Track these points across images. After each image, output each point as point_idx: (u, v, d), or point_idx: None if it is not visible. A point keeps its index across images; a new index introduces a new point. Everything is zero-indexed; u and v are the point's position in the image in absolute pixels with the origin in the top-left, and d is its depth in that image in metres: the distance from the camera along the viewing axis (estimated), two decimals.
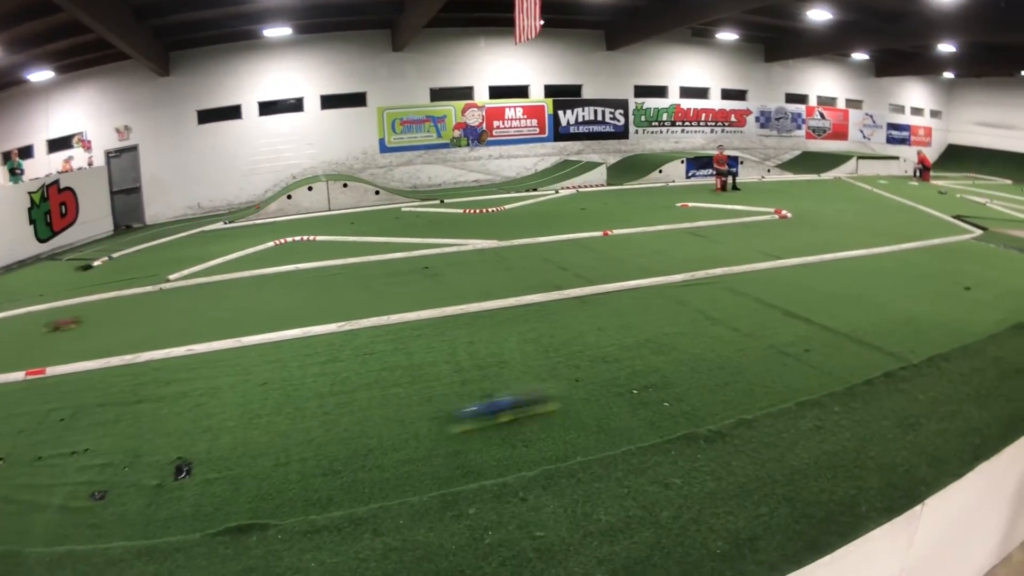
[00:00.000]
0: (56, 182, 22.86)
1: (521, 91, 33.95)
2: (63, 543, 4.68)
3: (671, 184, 29.28)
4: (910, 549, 4.37)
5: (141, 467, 5.83)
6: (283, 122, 31.14)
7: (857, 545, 4.03)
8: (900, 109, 44.64)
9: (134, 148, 29.53)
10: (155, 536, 4.68)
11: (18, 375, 8.57)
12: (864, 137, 42.90)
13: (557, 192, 26.77)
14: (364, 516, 4.60)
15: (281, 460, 5.82)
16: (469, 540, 4.29)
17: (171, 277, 14.14)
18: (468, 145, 33.15)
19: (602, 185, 29.38)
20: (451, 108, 32.73)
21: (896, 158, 37.53)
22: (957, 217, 17.80)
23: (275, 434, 6.34)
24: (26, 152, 28.64)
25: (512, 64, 33.25)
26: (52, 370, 8.63)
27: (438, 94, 32.71)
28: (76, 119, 29.40)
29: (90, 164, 27.89)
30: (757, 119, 39.08)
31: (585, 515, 4.45)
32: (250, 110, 30.59)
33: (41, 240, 21.42)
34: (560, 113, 34.49)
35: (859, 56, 40.54)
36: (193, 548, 4.37)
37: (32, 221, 21.10)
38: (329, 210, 25.24)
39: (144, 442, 6.32)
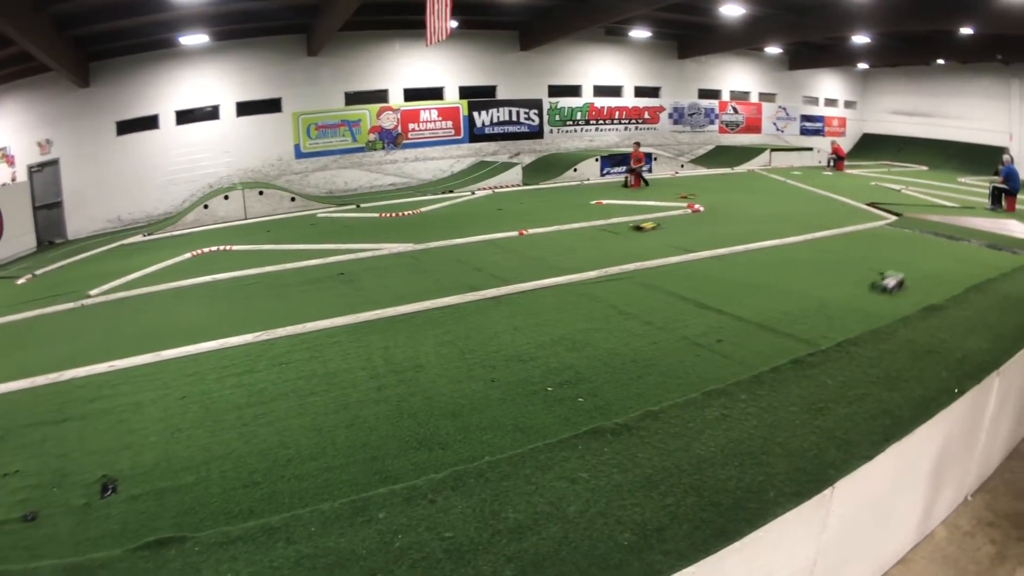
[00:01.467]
0: None
1: (436, 93, 33.93)
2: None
3: (586, 182, 29.51)
4: (824, 532, 4.44)
5: (68, 486, 5.80)
6: (200, 131, 30.71)
7: (767, 530, 4.08)
8: (814, 101, 45.50)
9: (55, 162, 28.95)
10: (84, 555, 4.59)
11: None
12: (778, 130, 43.61)
13: (473, 193, 26.86)
14: (277, 525, 4.57)
15: (202, 474, 5.81)
16: (379, 544, 4.29)
17: (92, 292, 13.91)
18: (384, 148, 33.01)
19: (518, 185, 29.50)
20: (366, 112, 32.58)
21: (810, 149, 38.28)
22: (871, 204, 18.19)
23: (196, 448, 6.32)
24: None
25: (426, 66, 33.20)
26: None
27: (353, 98, 32.54)
28: (1, 134, 28.77)
29: (13, 179, 27.46)
30: (670, 115, 39.53)
31: (493, 513, 4.48)
32: (167, 119, 30.12)
33: None
34: (475, 114, 34.50)
35: (773, 50, 41.19)
36: (116, 564, 4.33)
37: None
38: (246, 219, 24.96)
39: (70, 461, 6.27)
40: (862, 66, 44.45)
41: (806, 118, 44.97)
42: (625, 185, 26.32)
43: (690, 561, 3.84)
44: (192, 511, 5.23)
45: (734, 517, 4.19)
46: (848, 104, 47.35)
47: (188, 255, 17.15)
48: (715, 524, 4.15)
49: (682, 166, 33.90)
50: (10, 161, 28.10)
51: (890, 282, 9.89)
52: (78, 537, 5.01)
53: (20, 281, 17.45)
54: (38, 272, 18.56)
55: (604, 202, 21.26)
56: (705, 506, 4.35)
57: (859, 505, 4.73)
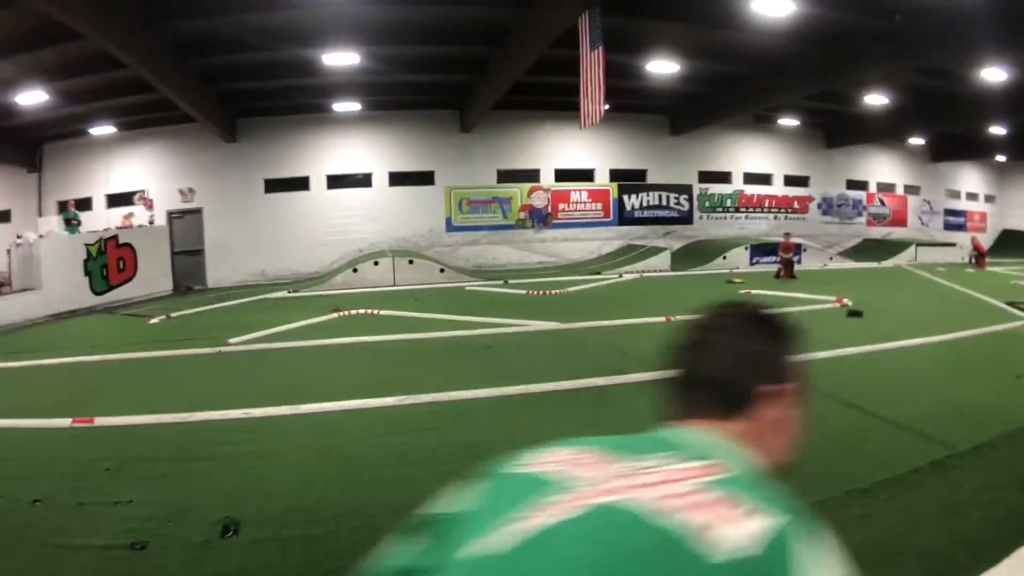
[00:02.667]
0: (115, 236, 23.65)
1: (586, 175, 34.39)
2: None
3: (735, 270, 29.18)
4: None
5: (187, 523, 5.89)
6: (351, 196, 31.80)
7: None
8: (956, 195, 44.53)
9: (198, 211, 30.24)
10: None
11: (64, 421, 8.77)
12: (923, 223, 42.65)
13: (621, 276, 26.88)
14: None
15: (332, 527, 5.85)
16: None
17: (231, 341, 14.40)
18: (533, 227, 33.55)
19: (666, 270, 29.38)
20: (517, 190, 33.22)
21: (953, 244, 37.25)
22: (1010, 304, 17.73)
23: (328, 502, 6.38)
24: (84, 204, 29.54)
25: (577, 148, 33.84)
26: (101, 420, 8.82)
27: (505, 175, 33.21)
28: (138, 176, 30.48)
29: (151, 222, 28.48)
30: (819, 206, 39.14)
31: None
32: (318, 182, 31.36)
33: (96, 293, 22.17)
34: (625, 197, 34.95)
35: (915, 141, 40.76)
36: None
37: (88, 273, 21.80)
38: (394, 285, 25.50)
39: (192, 498, 6.40)
40: (1000, 158, 43.45)
41: (949, 212, 44.16)
42: (777, 276, 26.14)
43: None
44: (317, 563, 5.27)
45: None
46: (988, 198, 46.24)
47: (335, 315, 17.68)
48: None
49: (831, 258, 33.40)
50: (148, 204, 29.27)
51: None
52: (190, 572, 5.12)
53: (153, 320, 18.13)
54: (173, 315, 19.22)
55: (753, 292, 21.11)
56: None
57: None
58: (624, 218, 35.69)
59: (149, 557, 5.33)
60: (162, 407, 9.28)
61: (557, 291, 22.33)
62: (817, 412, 8.78)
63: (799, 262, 28.32)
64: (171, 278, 27.69)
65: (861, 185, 41.55)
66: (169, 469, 7.21)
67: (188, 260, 29.91)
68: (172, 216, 30.34)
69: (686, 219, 36.86)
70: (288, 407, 9.37)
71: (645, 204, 36.05)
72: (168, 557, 5.35)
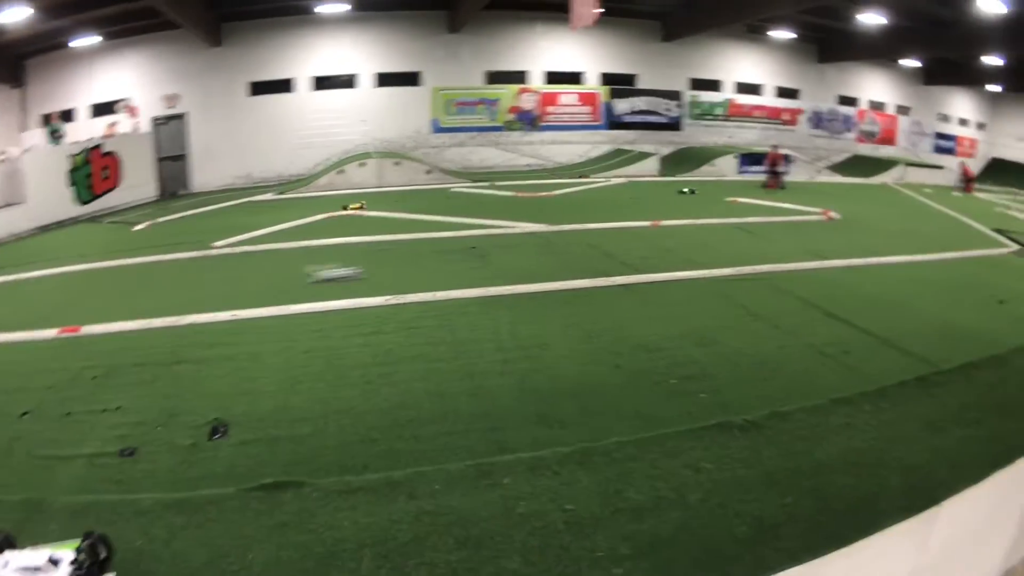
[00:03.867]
0: (99, 146, 23.37)
1: (576, 78, 33.87)
2: (88, 495, 4.88)
3: (723, 178, 29.11)
4: (924, 550, 4.42)
5: (175, 426, 6.02)
6: (336, 98, 31.32)
7: (874, 540, 4.14)
8: (947, 119, 44.06)
9: (182, 116, 29.83)
10: (191, 491, 4.85)
11: (50, 332, 8.81)
12: (912, 144, 42.39)
13: (609, 180, 26.77)
14: (400, 480, 4.83)
15: (319, 426, 6.00)
16: (501, 509, 4.49)
17: (216, 244, 14.39)
18: (521, 129, 33.14)
19: (654, 176, 29.32)
20: (505, 91, 32.75)
21: (941, 167, 36.96)
22: (997, 231, 17.73)
23: (315, 400, 6.51)
24: (68, 116, 29.41)
25: (568, 51, 33.18)
26: (88, 328, 8.88)
27: (493, 77, 32.69)
28: (122, 85, 29.83)
29: (136, 130, 28.31)
30: (809, 119, 38.72)
31: (617, 492, 4.66)
32: (303, 84, 30.81)
33: (82, 202, 21.95)
34: (615, 101, 34.37)
35: (909, 63, 40.09)
36: (226, 502, 4.58)
37: (73, 183, 21.61)
38: (379, 187, 25.29)
39: (180, 402, 6.50)
40: (994, 88, 42.92)
41: (939, 135, 43.62)
42: (764, 186, 25.96)
43: (799, 561, 3.94)
44: (304, 461, 5.38)
45: (846, 523, 4.28)
46: (979, 126, 45.77)
47: (321, 216, 17.62)
48: (828, 528, 4.26)
49: (819, 171, 33.25)
50: (133, 112, 29.09)
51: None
52: (178, 476, 5.20)
53: (138, 227, 18.16)
54: (159, 220, 19.29)
55: (740, 200, 20.97)
56: (821, 509, 4.46)
57: (960, 529, 4.66)
58: (613, 122, 35.20)
59: (138, 463, 5.42)
60: (150, 312, 9.33)
61: (544, 194, 22.26)
62: (799, 321, 8.90)
63: (787, 173, 28.21)
64: (156, 184, 27.70)
65: (852, 101, 41.01)
66: (158, 373, 7.29)
67: (173, 166, 29.59)
68: (157, 122, 29.76)
69: (675, 125, 36.38)
70: (275, 308, 9.46)
71: (635, 109, 35.46)
72: (157, 462, 5.44)
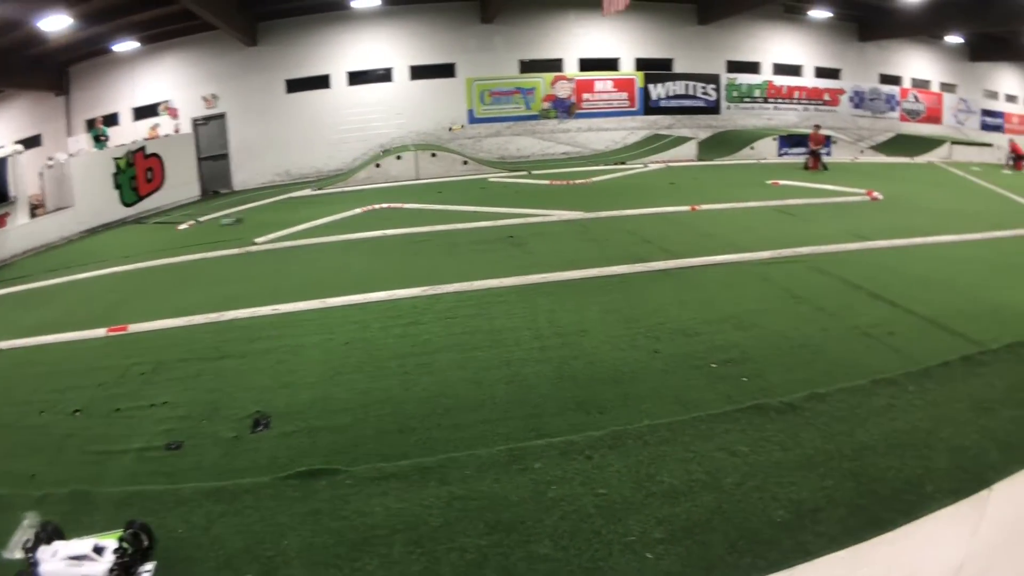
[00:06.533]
0: (142, 148, 23.74)
1: (611, 64, 33.67)
2: (133, 486, 4.98)
3: (763, 161, 28.86)
4: (976, 535, 4.27)
5: (219, 420, 6.15)
6: (372, 92, 31.44)
7: (920, 525, 4.04)
8: (994, 95, 43.12)
9: (221, 116, 30.18)
10: (229, 480, 4.94)
11: (100, 331, 9.02)
12: (958, 122, 41.61)
13: (646, 166, 26.59)
14: (431, 466, 4.84)
15: (359, 416, 6.07)
16: (532, 493, 4.46)
17: (258, 240, 14.56)
18: (557, 117, 33.03)
19: (692, 160, 29.03)
20: (540, 80, 32.65)
21: (990, 145, 36.17)
22: None
23: (355, 392, 6.59)
24: (111, 120, 29.64)
25: (602, 37, 33.02)
26: (135, 327, 9.08)
27: (527, 66, 32.62)
28: (162, 88, 30.39)
29: (176, 131, 28.62)
30: (851, 99, 38.15)
31: (649, 476, 4.60)
32: (339, 80, 30.97)
33: (127, 204, 22.35)
34: (650, 87, 34.09)
35: (953, 39, 39.24)
36: (261, 490, 4.65)
37: (118, 186, 21.97)
38: (417, 179, 25.49)
39: (224, 396, 6.65)
40: None
41: (986, 112, 42.61)
42: (805, 167, 25.65)
43: (841, 545, 3.86)
44: (345, 451, 5.46)
45: (890, 507, 4.19)
46: None
47: (359, 210, 17.72)
48: (870, 512, 4.17)
49: (862, 152, 32.78)
50: (174, 114, 29.65)
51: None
52: (223, 468, 5.31)
53: (182, 227, 18.40)
54: (201, 219, 19.45)
55: (781, 183, 20.75)
56: (863, 493, 4.36)
57: (1014, 512, 4.52)
58: (650, 107, 34.90)
59: (184, 456, 5.57)
60: (194, 309, 9.52)
61: (581, 181, 22.13)
62: (842, 302, 8.75)
63: (828, 154, 27.86)
64: (198, 184, 28.18)
65: (894, 80, 40.08)
66: (202, 368, 7.45)
67: (214, 165, 30.09)
68: (197, 123, 30.33)
69: (713, 109, 35.99)
70: (315, 301, 9.59)
71: (671, 93, 35.14)
72: (202, 455, 5.57)
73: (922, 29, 35.08)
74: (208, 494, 4.62)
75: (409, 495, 4.49)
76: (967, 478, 4.44)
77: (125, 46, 28.95)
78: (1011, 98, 43.80)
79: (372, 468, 4.84)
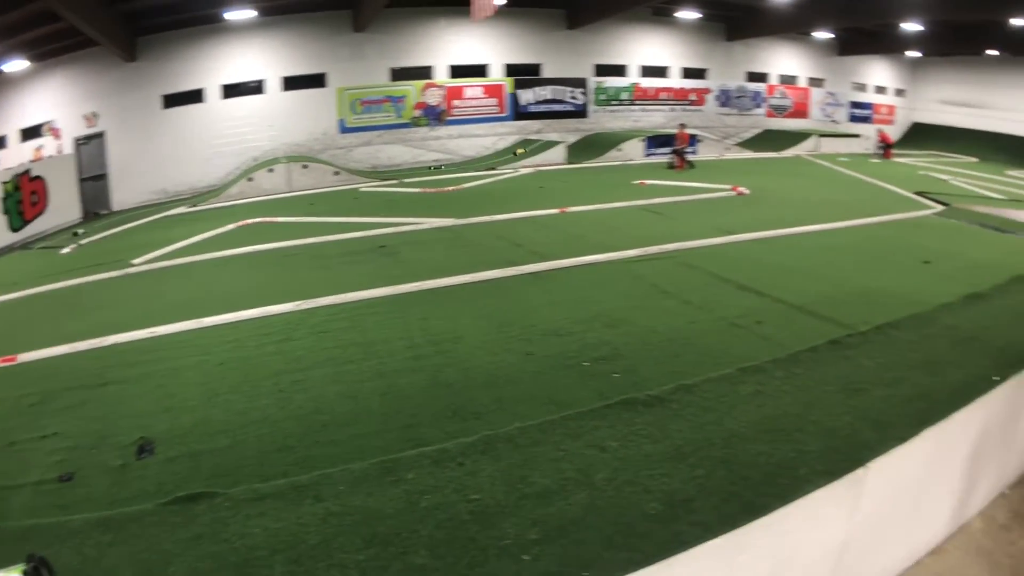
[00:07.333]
0: (27, 171, 22.76)
1: (481, 70, 33.81)
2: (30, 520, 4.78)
3: (630, 163, 29.26)
4: (856, 514, 4.40)
5: (106, 448, 5.99)
6: (245, 104, 30.90)
7: (797, 507, 4.05)
8: (863, 87, 44.75)
9: (101, 134, 29.30)
10: (116, 509, 4.75)
11: None
12: (826, 116, 42.99)
13: (516, 171, 26.79)
14: (306, 483, 4.70)
15: (238, 437, 5.98)
16: (406, 504, 4.37)
17: (135, 262, 14.16)
18: (428, 125, 32.99)
19: (562, 164, 29.33)
20: (411, 88, 32.57)
21: (858, 136, 37.53)
22: (918, 193, 17.95)
23: (233, 412, 6.48)
24: (0, 142, 28.71)
25: (472, 43, 33.10)
26: (23, 357, 8.73)
27: (398, 74, 32.51)
28: (47, 108, 29.17)
29: (59, 152, 27.71)
30: (717, 97, 39.11)
31: (521, 478, 4.54)
32: (213, 93, 30.35)
33: (14, 230, 21.30)
34: (520, 92, 34.32)
35: (822, 35, 40.51)
36: (146, 517, 4.47)
37: (6, 211, 21.03)
38: (290, 191, 25.12)
39: (109, 424, 6.47)
40: (913, 54, 43.56)
41: (855, 105, 44.25)
42: (670, 166, 26.03)
43: (716, 533, 3.83)
44: (226, 473, 5.39)
45: (763, 492, 4.19)
46: (898, 92, 46.54)
47: (232, 226, 17.32)
48: (743, 498, 4.16)
49: (728, 149, 33.56)
50: (56, 134, 28.54)
51: None
52: (112, 497, 5.19)
53: (64, 251, 17.81)
54: (83, 242, 18.89)
55: (647, 182, 21.06)
56: (735, 480, 4.36)
57: (893, 489, 4.67)
58: (519, 113, 35.27)
59: (77, 487, 5.45)
60: (77, 335, 9.23)
61: (452, 188, 22.17)
62: (711, 295, 8.86)
63: (694, 152, 28.38)
64: (79, 205, 26.96)
65: (762, 77, 41.54)
66: (87, 396, 7.27)
67: (95, 185, 28.86)
68: (79, 143, 29.09)
69: (581, 113, 36.54)
70: (191, 322, 9.39)
71: (540, 98, 35.54)
72: (92, 485, 5.46)
73: (791, 27, 36.05)
74: (97, 524, 4.46)
75: (286, 514, 4.39)
76: (840, 459, 4.46)
77: (14, 66, 27.99)
78: (880, 89, 45.46)
79: (249, 489, 4.72)
